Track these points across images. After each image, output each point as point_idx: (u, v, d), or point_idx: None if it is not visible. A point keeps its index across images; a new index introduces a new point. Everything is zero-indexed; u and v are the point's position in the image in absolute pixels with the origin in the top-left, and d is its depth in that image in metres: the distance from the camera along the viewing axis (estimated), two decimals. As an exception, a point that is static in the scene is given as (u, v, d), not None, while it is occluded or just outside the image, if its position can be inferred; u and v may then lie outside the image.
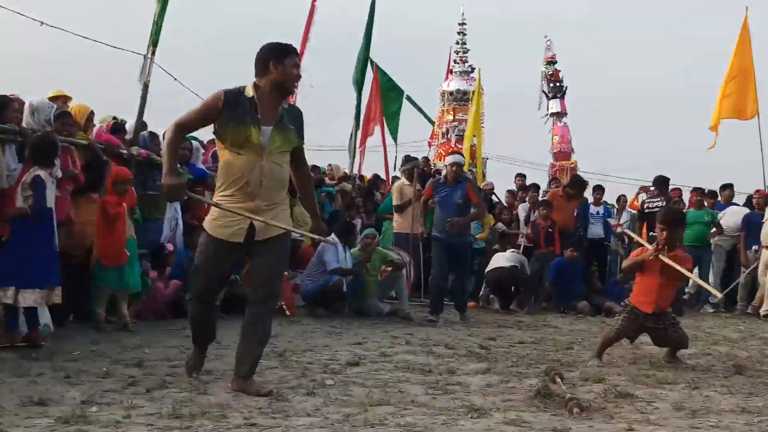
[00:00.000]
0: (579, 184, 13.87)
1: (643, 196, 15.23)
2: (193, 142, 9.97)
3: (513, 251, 12.80)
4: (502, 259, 12.36)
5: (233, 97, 5.13)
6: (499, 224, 14.11)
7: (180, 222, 9.68)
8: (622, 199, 16.24)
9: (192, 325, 5.65)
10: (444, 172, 10.68)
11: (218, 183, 5.31)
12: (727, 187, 14.94)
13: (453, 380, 5.88)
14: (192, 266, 5.77)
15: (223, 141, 5.19)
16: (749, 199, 14.59)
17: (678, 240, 7.47)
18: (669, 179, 14.15)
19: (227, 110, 5.10)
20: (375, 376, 5.90)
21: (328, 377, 5.75)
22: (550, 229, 13.06)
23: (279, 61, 5.19)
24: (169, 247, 9.18)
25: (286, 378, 5.71)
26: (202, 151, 10.33)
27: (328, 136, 70.77)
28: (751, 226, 13.31)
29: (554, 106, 23.50)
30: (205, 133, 7.96)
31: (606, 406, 5.10)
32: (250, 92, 5.16)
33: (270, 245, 5.22)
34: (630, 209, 15.84)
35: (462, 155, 11.33)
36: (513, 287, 12.48)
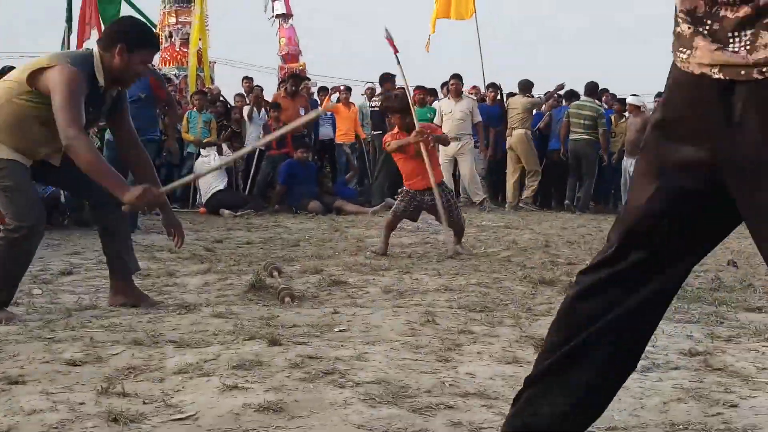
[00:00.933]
0: (296, 79, 13.90)
1: (334, 97, 15.29)
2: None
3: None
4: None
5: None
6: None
7: None
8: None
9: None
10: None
11: None
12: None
13: (170, 282, 5.80)
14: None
15: None
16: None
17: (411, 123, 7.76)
18: (393, 75, 14.30)
19: None
20: (88, 283, 5.69)
21: (35, 287, 5.48)
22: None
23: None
24: None
25: (-11, 292, 5.38)
26: None
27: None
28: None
29: (279, 7, 23.22)
30: None
31: (318, 294, 5.23)
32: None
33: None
34: None
35: None
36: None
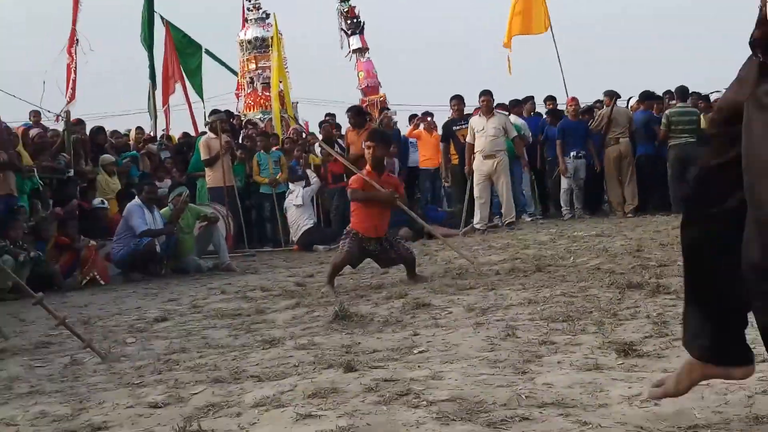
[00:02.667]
0: (356, 112, 13.80)
1: (421, 126, 15.26)
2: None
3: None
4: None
5: None
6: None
7: None
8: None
9: None
10: None
11: None
12: (528, 100, 15.38)
13: (259, 319, 5.87)
14: None
15: None
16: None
17: (382, 158, 7.63)
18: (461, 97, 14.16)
19: None
20: (180, 328, 5.82)
21: (129, 336, 5.63)
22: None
23: None
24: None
25: (86, 344, 5.55)
26: None
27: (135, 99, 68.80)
28: (565, 133, 13.75)
29: (355, 42, 23.56)
30: None
31: (402, 318, 5.23)
32: None
33: None
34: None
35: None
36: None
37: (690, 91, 13.94)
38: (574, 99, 14.28)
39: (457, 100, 13.56)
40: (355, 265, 7.65)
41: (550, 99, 15.35)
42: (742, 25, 2.49)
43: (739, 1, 2.56)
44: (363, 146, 7.87)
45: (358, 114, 13.46)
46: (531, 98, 15.37)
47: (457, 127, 13.19)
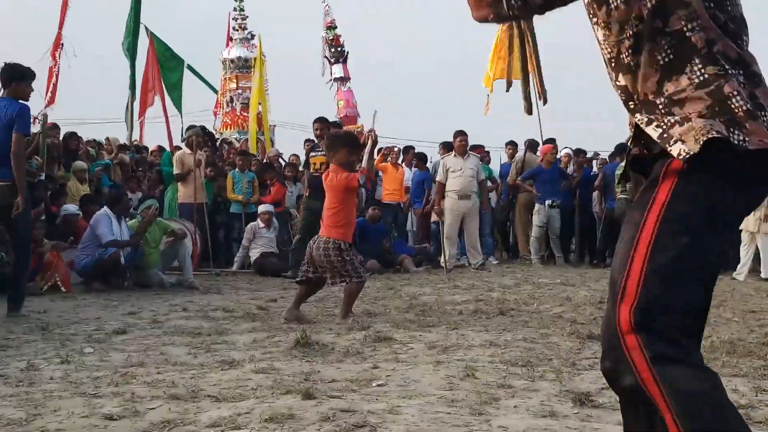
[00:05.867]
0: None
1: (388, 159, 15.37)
2: None
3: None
4: None
5: None
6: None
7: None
8: None
9: None
10: None
11: None
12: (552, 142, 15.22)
13: (220, 340, 5.85)
14: None
15: None
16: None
17: (354, 161, 7.27)
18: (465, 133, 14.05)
19: None
20: (140, 342, 5.78)
21: (87, 346, 5.59)
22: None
23: None
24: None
25: (43, 350, 5.49)
26: None
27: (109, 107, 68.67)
28: (538, 180, 13.93)
29: (337, 71, 23.72)
30: None
31: (363, 350, 5.24)
32: None
33: None
34: None
35: None
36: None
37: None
38: (550, 146, 14.33)
39: (319, 123, 11.89)
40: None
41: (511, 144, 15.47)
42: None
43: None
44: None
45: (327, 127, 11.69)
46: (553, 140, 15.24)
47: (314, 154, 11.77)
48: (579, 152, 15.54)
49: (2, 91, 7.43)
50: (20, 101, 7.29)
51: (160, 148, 15.54)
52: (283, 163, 15.21)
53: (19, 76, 7.35)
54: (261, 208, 12.72)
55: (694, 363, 1.96)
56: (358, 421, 3.33)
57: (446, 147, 13.74)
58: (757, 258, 11.57)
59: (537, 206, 13.79)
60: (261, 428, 3.22)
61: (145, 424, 3.35)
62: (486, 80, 15.33)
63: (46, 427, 3.30)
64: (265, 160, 14.91)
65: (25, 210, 7.14)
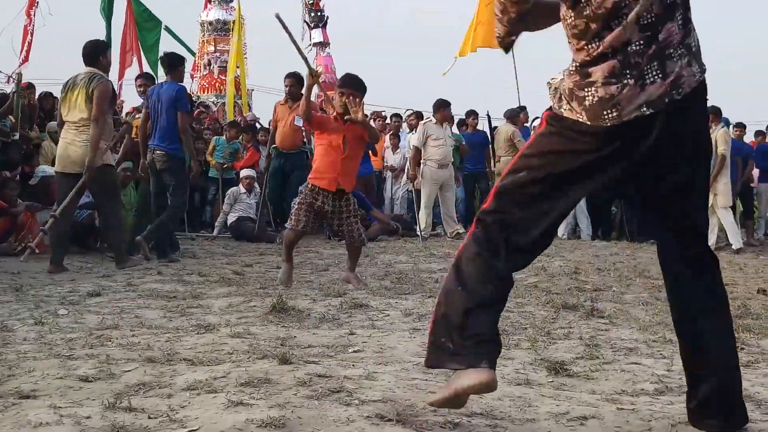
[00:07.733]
0: (298, 79, 13.24)
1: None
2: None
3: None
4: None
5: None
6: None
7: None
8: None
9: None
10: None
11: None
12: (523, 110, 15.10)
13: (195, 304, 5.83)
14: None
15: None
16: None
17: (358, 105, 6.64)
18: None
19: None
20: (114, 305, 5.75)
21: (62, 308, 5.56)
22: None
23: None
24: None
25: (17, 311, 5.46)
26: None
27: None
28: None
29: (316, 36, 23.49)
30: None
31: (339, 317, 5.25)
32: None
33: None
34: None
35: None
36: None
37: None
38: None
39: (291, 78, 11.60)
40: (309, 230, 6.89)
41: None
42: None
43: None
44: (336, 92, 7.13)
45: (300, 82, 11.09)
46: (524, 108, 15.16)
47: None
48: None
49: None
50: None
51: (136, 110, 15.34)
52: (258, 127, 15.10)
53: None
54: (243, 173, 12.67)
55: None
56: (334, 386, 3.34)
57: (419, 116, 13.79)
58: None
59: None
60: (237, 392, 3.22)
61: (121, 386, 3.34)
62: (462, 51, 15.16)
63: (21, 387, 3.28)
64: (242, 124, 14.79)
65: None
